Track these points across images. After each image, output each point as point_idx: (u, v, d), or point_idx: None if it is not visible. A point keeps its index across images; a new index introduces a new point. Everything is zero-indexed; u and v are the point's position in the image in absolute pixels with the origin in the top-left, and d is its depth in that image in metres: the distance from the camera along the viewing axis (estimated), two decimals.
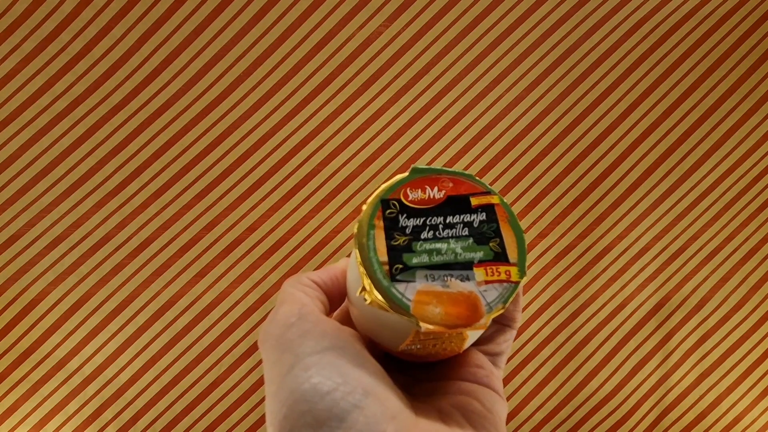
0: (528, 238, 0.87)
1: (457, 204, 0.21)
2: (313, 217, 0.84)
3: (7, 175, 0.80)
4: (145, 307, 0.83)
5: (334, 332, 0.20)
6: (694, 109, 0.88)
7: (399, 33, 0.83)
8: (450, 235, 0.20)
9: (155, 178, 0.82)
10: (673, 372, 0.91)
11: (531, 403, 0.89)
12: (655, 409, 0.91)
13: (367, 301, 0.19)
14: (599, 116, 0.87)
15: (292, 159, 0.83)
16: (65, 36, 0.79)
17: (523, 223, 0.87)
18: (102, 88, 0.80)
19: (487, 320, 0.18)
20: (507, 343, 0.24)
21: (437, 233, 0.20)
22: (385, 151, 0.84)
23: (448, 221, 0.20)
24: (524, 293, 0.88)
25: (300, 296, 0.22)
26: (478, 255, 0.20)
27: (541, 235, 0.87)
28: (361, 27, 0.83)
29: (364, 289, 0.19)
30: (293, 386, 0.18)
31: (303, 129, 0.83)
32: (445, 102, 0.85)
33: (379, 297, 0.19)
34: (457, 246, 0.20)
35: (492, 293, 0.19)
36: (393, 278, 0.19)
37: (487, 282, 0.19)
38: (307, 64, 0.82)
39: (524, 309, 0.88)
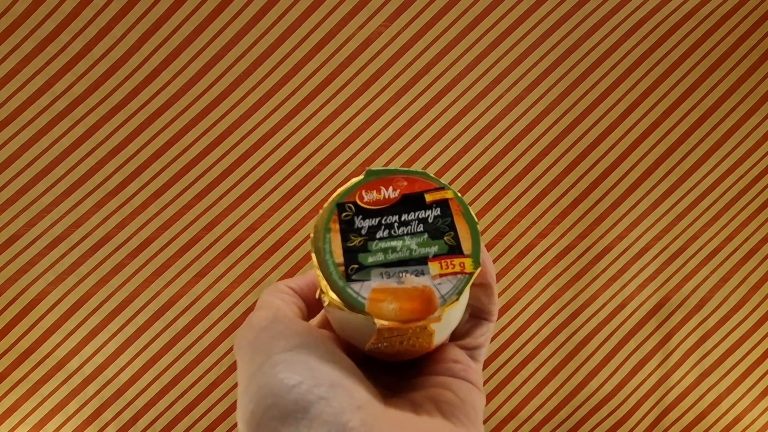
0: (528, 238, 0.87)
1: (411, 202, 0.21)
2: (313, 216, 0.84)
3: (7, 175, 0.80)
4: (145, 307, 0.83)
5: (306, 332, 0.20)
6: (694, 109, 0.88)
7: (399, 33, 0.83)
8: (405, 232, 0.21)
9: (155, 178, 0.82)
10: (673, 372, 0.91)
11: (531, 403, 0.89)
12: (655, 409, 0.91)
13: (325, 303, 0.20)
14: (599, 116, 0.87)
15: (292, 159, 0.83)
16: (65, 36, 0.79)
17: (523, 223, 0.87)
18: (102, 88, 0.80)
19: (441, 312, 0.19)
20: (484, 336, 0.24)
21: (392, 231, 0.21)
22: (385, 151, 0.84)
23: (403, 219, 0.21)
24: (524, 293, 0.88)
25: (276, 302, 0.23)
26: (433, 249, 0.20)
27: (541, 235, 0.87)
28: (360, 27, 0.83)
29: (321, 291, 0.20)
30: (261, 382, 0.18)
31: (303, 129, 0.83)
32: (445, 102, 0.85)
33: (335, 297, 0.19)
34: (412, 242, 0.20)
35: (446, 286, 0.19)
36: (348, 278, 0.19)
37: (441, 275, 0.19)
38: (307, 65, 0.82)
39: (524, 309, 0.88)
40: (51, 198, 0.81)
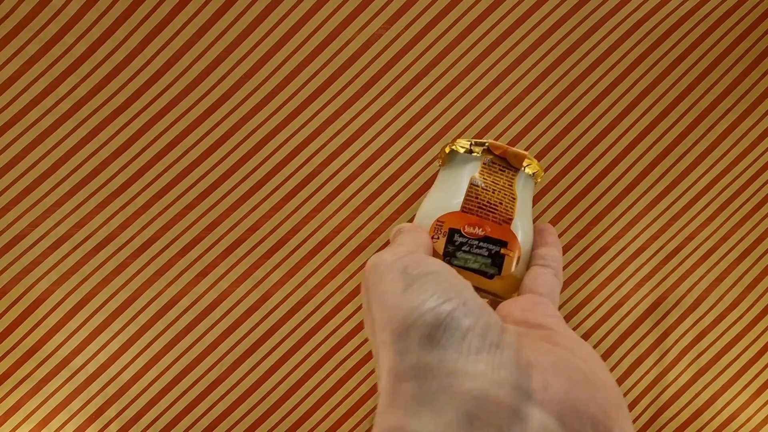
0: None
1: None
2: (314, 216, 0.85)
3: (12, 176, 0.80)
4: (148, 306, 0.84)
5: (440, 262, 0.25)
6: (691, 109, 0.89)
7: (399, 35, 0.84)
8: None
9: (158, 179, 0.82)
10: (670, 370, 0.92)
11: None
12: (651, 407, 0.92)
13: (447, 151, 0.32)
14: (597, 116, 0.88)
15: (294, 159, 0.84)
16: (69, 38, 0.80)
17: None
18: (105, 90, 0.81)
19: (529, 158, 0.30)
20: (549, 286, 0.30)
21: None
22: (385, 151, 0.85)
23: None
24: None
25: (408, 240, 0.29)
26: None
27: None
28: (361, 29, 0.83)
29: (450, 146, 0.32)
30: (415, 297, 0.22)
31: (304, 130, 0.84)
32: (445, 103, 0.85)
33: (460, 140, 0.30)
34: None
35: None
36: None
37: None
38: (308, 66, 0.83)
39: None
40: (54, 198, 0.81)
